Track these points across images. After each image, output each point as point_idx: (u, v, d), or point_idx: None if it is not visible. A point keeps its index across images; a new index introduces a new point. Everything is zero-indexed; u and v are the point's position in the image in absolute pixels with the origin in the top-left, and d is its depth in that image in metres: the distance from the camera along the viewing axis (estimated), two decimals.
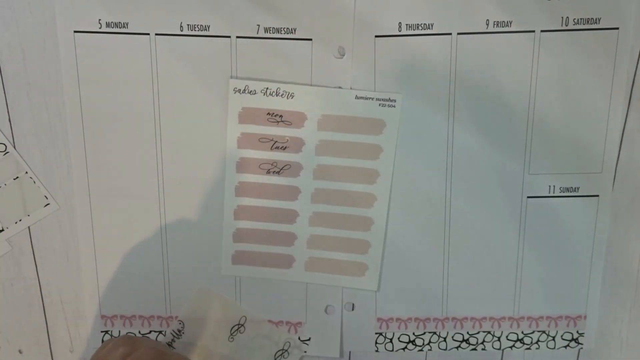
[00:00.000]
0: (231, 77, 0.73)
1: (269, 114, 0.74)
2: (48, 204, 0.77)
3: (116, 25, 0.72)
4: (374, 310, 0.79)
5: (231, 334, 0.79)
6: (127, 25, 0.72)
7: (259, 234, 0.77)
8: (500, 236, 0.77)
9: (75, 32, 0.72)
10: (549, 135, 0.74)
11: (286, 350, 0.80)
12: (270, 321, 0.80)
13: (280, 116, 0.74)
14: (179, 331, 0.78)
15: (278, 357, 0.80)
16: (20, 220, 0.77)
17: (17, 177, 0.76)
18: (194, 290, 0.78)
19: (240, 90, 0.73)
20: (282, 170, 0.76)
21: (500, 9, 0.70)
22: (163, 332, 0.80)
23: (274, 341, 0.79)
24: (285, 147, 0.75)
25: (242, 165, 0.76)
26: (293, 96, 0.73)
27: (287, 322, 0.80)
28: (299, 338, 0.80)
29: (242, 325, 0.79)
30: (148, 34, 0.72)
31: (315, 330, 0.80)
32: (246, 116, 0.74)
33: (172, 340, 0.78)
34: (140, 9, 0.71)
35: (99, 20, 0.71)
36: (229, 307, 0.78)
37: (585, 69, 0.72)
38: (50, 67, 0.73)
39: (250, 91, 0.73)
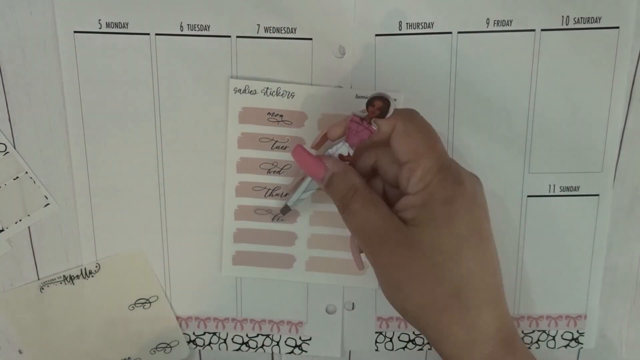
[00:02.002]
0: (231, 77, 0.73)
1: (269, 113, 0.73)
2: (48, 204, 0.76)
3: (116, 25, 0.71)
4: (374, 310, 0.79)
5: (134, 304, 0.78)
6: (127, 25, 0.71)
7: (260, 234, 0.77)
8: (500, 236, 0.74)
9: (75, 32, 0.71)
10: (549, 135, 0.73)
11: (169, 346, 0.79)
12: (270, 321, 0.80)
13: (281, 116, 0.73)
14: (90, 273, 0.77)
15: (159, 349, 0.79)
16: (20, 220, 0.76)
17: (17, 177, 0.75)
18: (131, 248, 0.78)
19: (240, 90, 0.73)
20: (282, 170, 0.75)
21: (501, 8, 0.70)
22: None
23: (165, 333, 0.79)
24: (286, 147, 0.74)
25: (243, 165, 0.75)
26: (293, 96, 0.73)
27: (288, 322, 0.80)
28: (300, 338, 0.80)
29: (150, 303, 0.78)
30: (148, 34, 0.71)
31: (316, 330, 0.80)
32: (246, 116, 0.74)
33: (77, 276, 0.77)
34: (140, 9, 0.71)
35: (99, 20, 0.71)
36: (148, 279, 0.78)
37: (585, 69, 0.71)
38: (50, 67, 0.72)
39: (251, 91, 0.73)
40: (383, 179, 0.67)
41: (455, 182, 0.60)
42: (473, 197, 0.61)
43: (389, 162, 0.65)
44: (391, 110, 0.60)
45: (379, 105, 0.60)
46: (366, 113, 0.61)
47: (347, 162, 0.65)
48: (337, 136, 0.65)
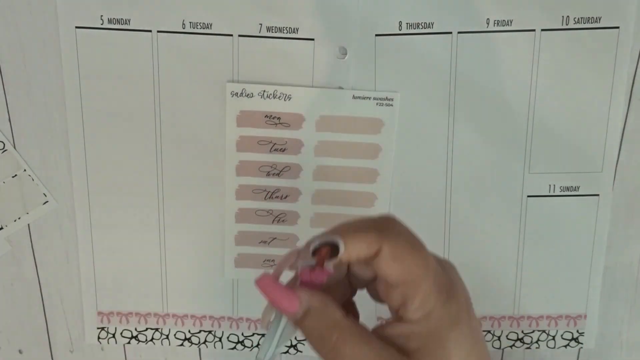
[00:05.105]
0: (228, 82, 0.71)
1: (266, 116, 0.72)
2: (47, 202, 0.74)
3: (118, 21, 0.69)
4: (374, 310, 0.76)
5: None
6: (129, 21, 0.69)
7: (261, 236, 0.75)
8: (500, 236, 0.74)
9: (77, 27, 0.70)
10: (549, 135, 0.72)
11: None
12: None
13: (278, 118, 0.71)
14: None
15: None
16: (19, 218, 0.75)
17: (16, 175, 0.74)
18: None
19: (237, 93, 0.71)
20: (281, 172, 0.73)
21: (501, 7, 0.68)
22: (159, 330, 0.79)
23: None
24: (284, 149, 0.72)
25: (242, 168, 0.73)
26: (290, 98, 0.71)
27: None
28: (296, 338, 0.79)
29: None
30: (150, 30, 0.70)
31: None
32: (244, 119, 0.72)
33: None
34: (143, 6, 0.69)
35: (101, 16, 0.69)
36: None
37: (585, 69, 0.70)
38: (51, 67, 0.71)
39: (247, 94, 0.71)
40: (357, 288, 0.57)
41: (454, 297, 0.50)
42: (467, 303, 0.52)
43: (369, 279, 0.54)
44: (341, 250, 0.48)
45: (326, 250, 0.49)
46: (313, 261, 0.50)
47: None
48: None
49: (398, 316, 0.49)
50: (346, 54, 0.70)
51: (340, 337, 0.48)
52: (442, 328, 0.48)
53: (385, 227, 0.50)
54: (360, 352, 0.48)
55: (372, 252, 0.48)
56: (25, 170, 0.73)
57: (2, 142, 0.72)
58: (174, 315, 0.78)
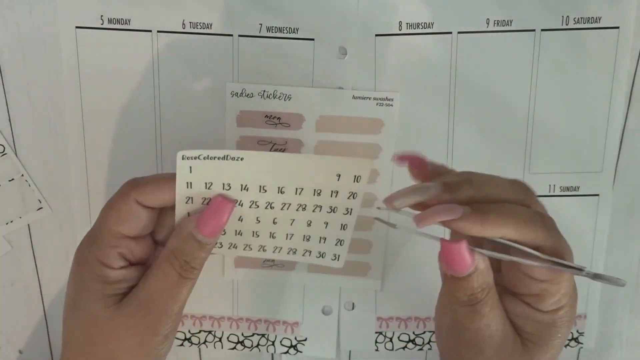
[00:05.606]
0: (228, 82, 0.71)
1: (266, 116, 0.71)
2: (41, 208, 0.74)
3: (118, 21, 0.69)
4: (373, 310, 0.76)
5: None
6: (129, 21, 0.69)
7: None
8: None
9: (77, 27, 0.70)
10: (549, 135, 0.71)
11: None
12: (266, 321, 0.77)
13: (278, 118, 0.71)
14: None
15: None
16: (11, 221, 0.74)
17: (13, 179, 0.73)
18: None
19: (237, 93, 0.71)
20: None
21: (501, 8, 0.68)
22: None
23: None
24: (284, 149, 0.72)
25: None
26: (290, 98, 0.70)
27: (284, 322, 0.77)
28: (296, 338, 0.78)
29: None
30: (150, 30, 0.69)
31: (312, 330, 0.77)
32: (244, 119, 0.71)
33: None
34: (143, 6, 0.69)
35: (101, 16, 0.69)
36: None
37: (585, 69, 0.70)
38: (51, 68, 0.70)
39: (247, 94, 0.70)
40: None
41: (577, 298, 0.55)
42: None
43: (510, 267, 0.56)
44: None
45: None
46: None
47: None
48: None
49: (526, 301, 0.54)
50: (346, 54, 0.69)
51: (486, 298, 0.52)
52: (562, 324, 0.53)
53: (545, 222, 0.52)
54: (493, 316, 0.53)
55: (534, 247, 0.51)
56: (22, 175, 0.73)
57: (2, 145, 0.72)
58: None
